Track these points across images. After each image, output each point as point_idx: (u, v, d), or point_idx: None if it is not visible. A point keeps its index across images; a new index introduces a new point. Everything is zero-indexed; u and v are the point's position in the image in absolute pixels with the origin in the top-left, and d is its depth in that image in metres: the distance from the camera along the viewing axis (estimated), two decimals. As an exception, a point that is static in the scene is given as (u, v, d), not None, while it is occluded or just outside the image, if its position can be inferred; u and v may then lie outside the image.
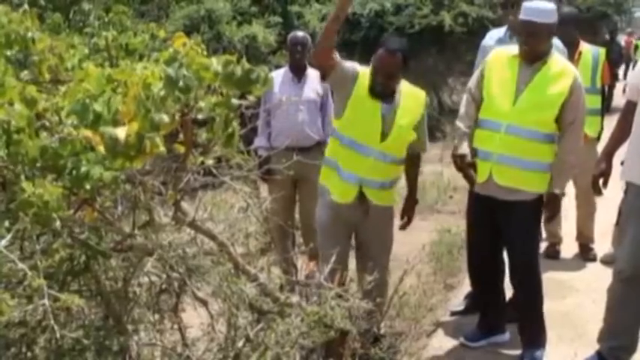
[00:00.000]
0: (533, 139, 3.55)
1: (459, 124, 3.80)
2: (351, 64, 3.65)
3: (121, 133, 1.79)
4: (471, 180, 3.78)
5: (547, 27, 3.53)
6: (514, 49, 3.67)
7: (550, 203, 3.62)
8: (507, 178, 3.58)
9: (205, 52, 2.07)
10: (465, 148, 3.73)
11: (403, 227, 3.98)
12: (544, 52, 3.58)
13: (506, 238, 3.71)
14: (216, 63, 2.02)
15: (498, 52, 3.78)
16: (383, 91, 3.58)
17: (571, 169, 3.72)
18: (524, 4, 3.58)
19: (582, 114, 3.64)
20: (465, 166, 3.74)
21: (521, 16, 3.57)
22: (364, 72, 3.65)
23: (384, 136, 3.60)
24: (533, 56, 3.58)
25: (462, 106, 3.85)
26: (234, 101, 2.08)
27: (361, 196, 3.69)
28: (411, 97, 3.69)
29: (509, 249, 3.74)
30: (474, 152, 3.71)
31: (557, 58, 3.65)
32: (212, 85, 2.05)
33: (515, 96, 3.57)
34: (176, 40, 2.03)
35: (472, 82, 3.84)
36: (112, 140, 1.77)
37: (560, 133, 3.59)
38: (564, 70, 3.59)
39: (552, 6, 3.57)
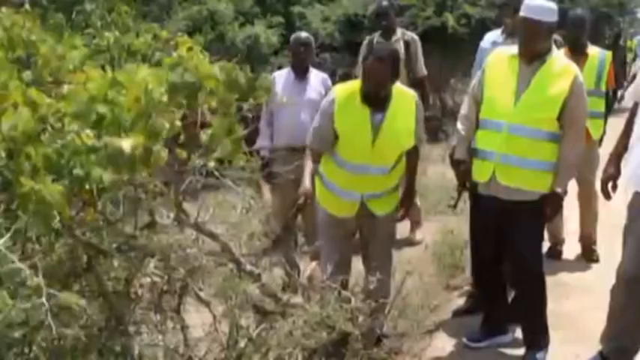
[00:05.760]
0: (536, 138, 3.54)
1: (459, 126, 3.80)
2: (323, 116, 3.66)
3: (126, 145, 1.77)
4: (463, 185, 3.79)
5: (548, 25, 3.52)
6: (514, 49, 3.66)
7: (551, 202, 3.60)
8: (511, 178, 3.57)
9: (207, 54, 2.07)
10: (462, 153, 3.73)
11: (401, 219, 3.97)
12: (544, 51, 3.56)
13: (509, 238, 3.69)
14: (219, 70, 2.01)
15: (498, 53, 3.77)
16: (374, 98, 3.55)
17: (572, 169, 3.70)
18: (526, 2, 3.54)
19: (583, 113, 3.62)
20: (460, 171, 3.74)
21: (523, 14, 3.54)
22: (343, 87, 3.68)
23: (374, 143, 3.58)
24: (532, 55, 3.56)
25: (462, 107, 3.85)
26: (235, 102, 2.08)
27: (363, 206, 3.70)
28: (401, 101, 3.65)
29: (513, 250, 3.71)
30: (475, 152, 3.71)
31: (558, 57, 3.64)
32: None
33: (515, 96, 3.55)
34: (181, 44, 2.03)
35: (474, 83, 3.83)
36: (117, 152, 1.75)
37: (561, 132, 3.58)
38: (565, 70, 3.57)
39: (554, 5, 3.56)
